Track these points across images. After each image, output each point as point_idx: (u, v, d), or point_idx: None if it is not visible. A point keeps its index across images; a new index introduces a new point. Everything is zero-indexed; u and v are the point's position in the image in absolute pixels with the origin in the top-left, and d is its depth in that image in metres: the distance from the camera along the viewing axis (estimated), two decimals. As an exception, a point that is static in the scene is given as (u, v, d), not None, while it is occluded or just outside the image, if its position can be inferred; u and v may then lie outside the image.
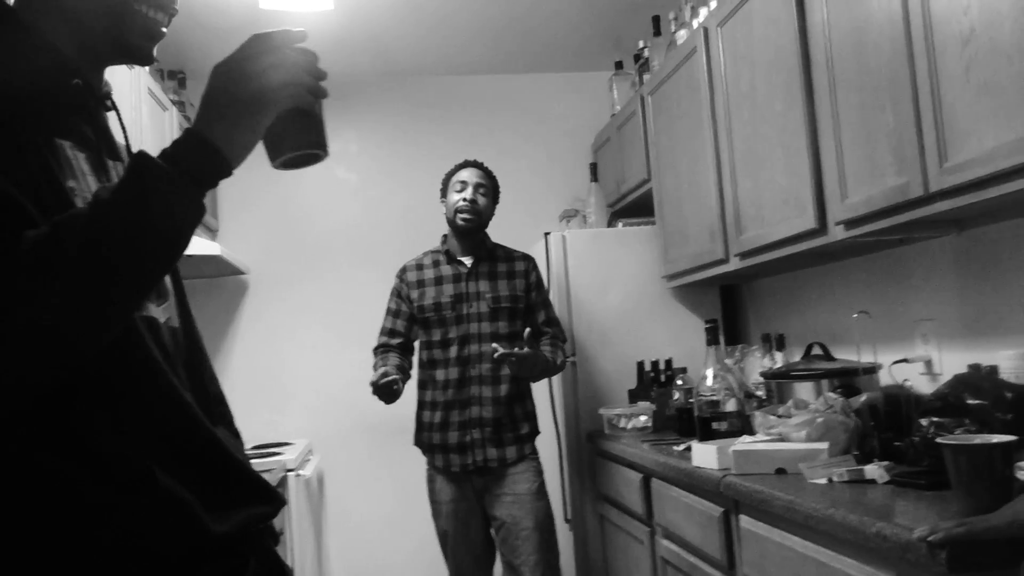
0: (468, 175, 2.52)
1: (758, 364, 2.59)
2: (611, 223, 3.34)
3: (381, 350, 2.55)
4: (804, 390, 2.00)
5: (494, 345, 2.30)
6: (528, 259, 2.59)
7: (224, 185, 3.58)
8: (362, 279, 3.58)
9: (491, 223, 2.61)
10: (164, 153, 0.76)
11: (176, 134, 2.85)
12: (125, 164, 0.94)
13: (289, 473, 2.75)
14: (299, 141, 0.83)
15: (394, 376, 2.26)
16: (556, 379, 2.84)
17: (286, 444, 3.23)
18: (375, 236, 3.65)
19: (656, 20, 3.05)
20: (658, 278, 3.00)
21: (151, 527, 0.80)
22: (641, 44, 3.17)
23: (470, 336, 2.46)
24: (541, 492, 2.44)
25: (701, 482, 1.88)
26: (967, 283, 1.88)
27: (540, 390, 2.57)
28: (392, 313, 2.58)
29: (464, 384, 2.44)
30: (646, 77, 3.07)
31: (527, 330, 2.36)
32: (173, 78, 3.22)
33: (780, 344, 2.53)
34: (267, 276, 3.59)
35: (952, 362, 1.90)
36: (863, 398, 1.76)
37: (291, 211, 3.63)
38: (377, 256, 3.55)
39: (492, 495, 2.44)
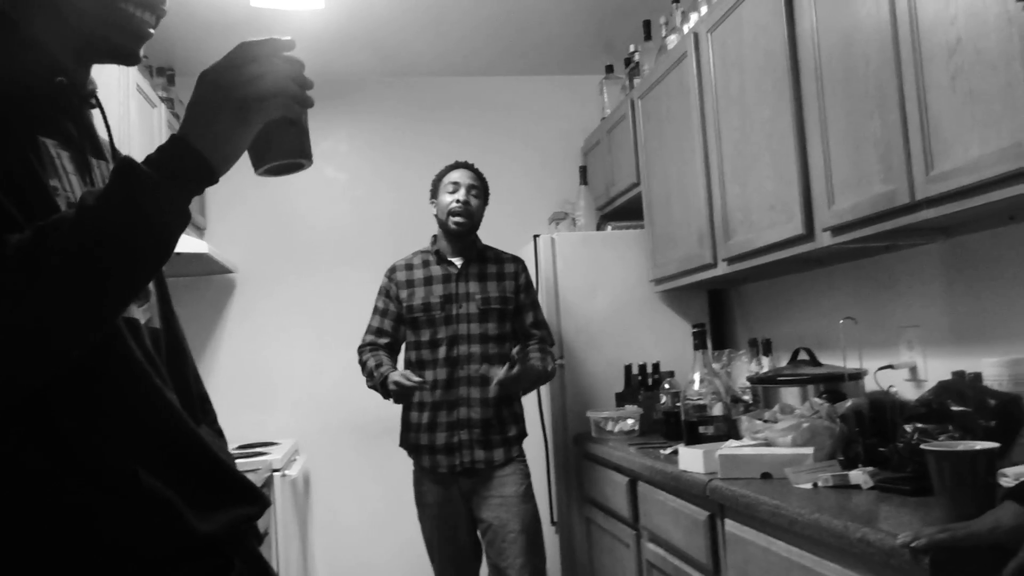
0: (460, 176, 2.52)
1: (745, 369, 2.60)
2: (600, 226, 3.35)
3: (369, 349, 2.54)
4: (790, 395, 2.01)
5: (491, 376, 2.34)
6: (518, 261, 2.60)
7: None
8: (350, 279, 3.56)
9: (481, 225, 2.61)
10: (149, 159, 0.76)
11: (164, 131, 2.85)
12: (109, 163, 0.94)
13: (275, 473, 2.73)
14: (283, 150, 0.83)
15: (421, 382, 2.32)
16: (544, 381, 2.85)
17: (272, 444, 3.21)
18: (363, 236, 3.64)
19: (647, 25, 3.06)
20: (646, 282, 3.01)
21: (134, 528, 0.80)
22: (632, 48, 3.18)
23: (459, 337, 2.46)
24: (528, 495, 2.44)
25: (687, 486, 1.89)
26: (952, 290, 1.90)
27: (528, 395, 2.57)
28: (380, 312, 2.57)
29: (453, 385, 2.44)
30: (636, 81, 3.08)
31: (515, 349, 2.36)
32: (162, 75, 3.20)
33: (767, 349, 2.54)
34: (255, 275, 3.57)
35: (937, 369, 1.91)
36: (848, 404, 1.77)
37: (279, 210, 3.62)
38: (365, 256, 3.55)
39: (479, 497, 2.43)
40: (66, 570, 0.77)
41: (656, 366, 2.84)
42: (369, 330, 2.57)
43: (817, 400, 1.83)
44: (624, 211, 3.28)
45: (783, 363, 2.34)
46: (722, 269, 2.40)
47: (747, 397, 2.34)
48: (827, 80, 1.80)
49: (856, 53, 1.68)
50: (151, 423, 0.85)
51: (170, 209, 0.75)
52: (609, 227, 3.24)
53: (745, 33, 2.15)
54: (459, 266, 2.53)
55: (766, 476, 1.70)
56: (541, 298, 2.80)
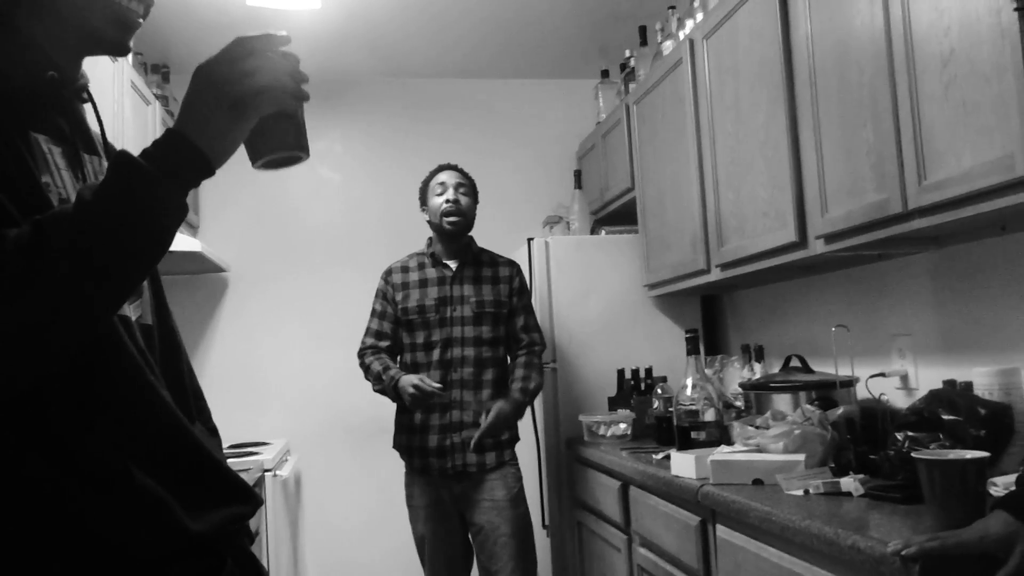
0: (446, 177, 2.53)
1: (737, 375, 2.61)
2: (594, 230, 3.35)
3: (371, 352, 2.53)
4: (782, 401, 2.02)
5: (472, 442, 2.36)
6: (513, 265, 2.60)
7: (206, 182, 3.53)
8: (343, 279, 3.56)
9: (475, 228, 2.62)
10: (146, 153, 0.75)
11: (159, 128, 2.84)
12: (101, 157, 0.94)
13: (266, 473, 2.72)
14: (280, 143, 0.83)
15: (443, 393, 2.34)
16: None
17: (264, 444, 3.21)
18: (357, 236, 3.64)
19: (643, 30, 3.07)
20: (639, 286, 3.02)
21: (127, 526, 0.80)
22: (627, 53, 3.19)
23: (453, 340, 2.46)
24: (520, 498, 2.44)
25: (679, 491, 1.89)
26: (944, 300, 1.91)
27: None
28: (378, 315, 2.57)
29: (445, 388, 2.43)
30: (632, 86, 3.09)
31: (485, 407, 2.38)
32: (157, 72, 3.19)
33: (759, 355, 2.55)
34: (248, 274, 3.57)
35: (928, 377, 1.93)
36: (840, 411, 1.78)
37: (273, 209, 3.61)
38: (359, 257, 3.55)
39: (470, 500, 2.43)
40: (59, 568, 0.77)
41: (649, 371, 2.84)
42: (368, 333, 2.57)
43: (809, 407, 1.84)
44: (618, 216, 3.29)
45: (775, 369, 2.35)
46: (715, 275, 2.41)
47: (739, 403, 2.35)
48: (821, 88, 1.81)
49: (850, 62, 1.70)
50: (145, 420, 0.85)
51: (168, 203, 0.75)
52: (603, 231, 3.24)
53: (740, 40, 2.16)
54: (454, 268, 2.53)
55: (757, 482, 1.71)
56: (534, 301, 2.80)
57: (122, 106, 2.48)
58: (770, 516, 1.47)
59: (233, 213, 3.57)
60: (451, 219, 2.48)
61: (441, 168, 2.57)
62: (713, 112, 2.34)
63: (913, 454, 1.25)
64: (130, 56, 2.68)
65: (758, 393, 2.12)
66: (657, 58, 2.83)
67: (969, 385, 1.62)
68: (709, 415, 2.07)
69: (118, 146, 0.91)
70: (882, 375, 1.98)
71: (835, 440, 1.73)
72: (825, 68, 1.80)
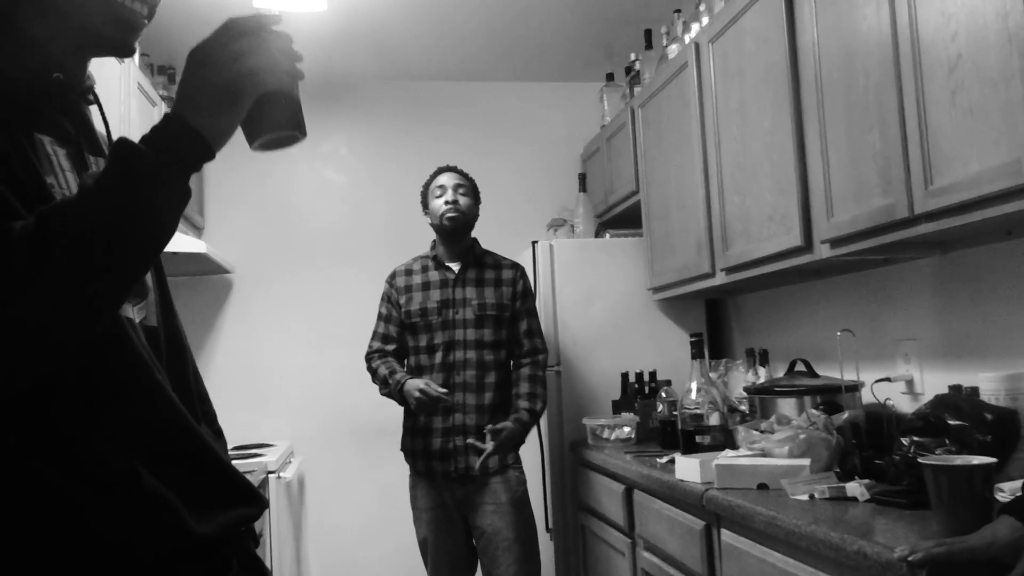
0: (445, 179, 2.54)
1: (741, 379, 2.61)
2: (598, 233, 3.35)
3: (378, 356, 2.54)
4: (787, 406, 2.02)
5: (480, 455, 2.36)
6: (517, 267, 2.59)
7: (211, 183, 3.54)
8: (347, 281, 3.57)
9: (479, 230, 2.62)
10: (145, 139, 0.76)
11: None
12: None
13: (270, 475, 2.73)
14: (276, 123, 0.84)
15: (445, 395, 2.34)
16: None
17: (268, 445, 3.21)
18: (361, 238, 3.65)
19: (648, 34, 3.08)
20: (644, 290, 3.02)
21: (132, 527, 0.79)
22: (632, 57, 3.19)
23: (455, 342, 2.46)
24: (523, 502, 2.44)
25: (684, 495, 1.89)
26: (949, 304, 1.91)
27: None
28: (384, 319, 2.58)
29: (448, 391, 2.43)
30: (637, 90, 3.09)
31: (487, 428, 2.37)
32: (163, 73, 3.20)
33: (764, 359, 2.54)
34: (252, 275, 3.57)
35: (933, 382, 1.92)
36: (845, 416, 1.78)
37: (278, 211, 3.62)
38: (363, 258, 3.55)
39: (473, 504, 2.43)
40: (63, 569, 0.77)
41: (653, 374, 2.84)
42: (375, 336, 2.58)
43: (814, 411, 1.84)
44: (623, 219, 3.29)
45: (780, 374, 2.35)
46: (720, 279, 2.41)
47: (744, 407, 2.35)
48: (827, 93, 1.81)
49: (856, 67, 1.69)
50: (153, 420, 0.85)
51: (171, 187, 0.76)
52: (607, 235, 3.24)
53: (746, 44, 2.16)
54: (456, 271, 2.53)
55: (762, 487, 1.70)
56: (538, 304, 2.81)
57: (128, 107, 2.48)
58: (775, 521, 1.46)
59: (238, 215, 3.57)
60: (450, 216, 2.48)
61: (441, 170, 2.58)
62: (719, 116, 2.34)
63: (920, 460, 1.25)
64: (136, 57, 2.68)
65: (763, 397, 2.12)
66: (662, 62, 2.83)
67: (975, 390, 1.61)
68: (714, 419, 2.07)
69: None
70: (887, 380, 1.98)
71: (840, 445, 1.73)
72: (831, 72, 1.80)
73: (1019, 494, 1.16)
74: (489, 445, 2.35)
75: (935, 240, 1.74)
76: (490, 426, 2.38)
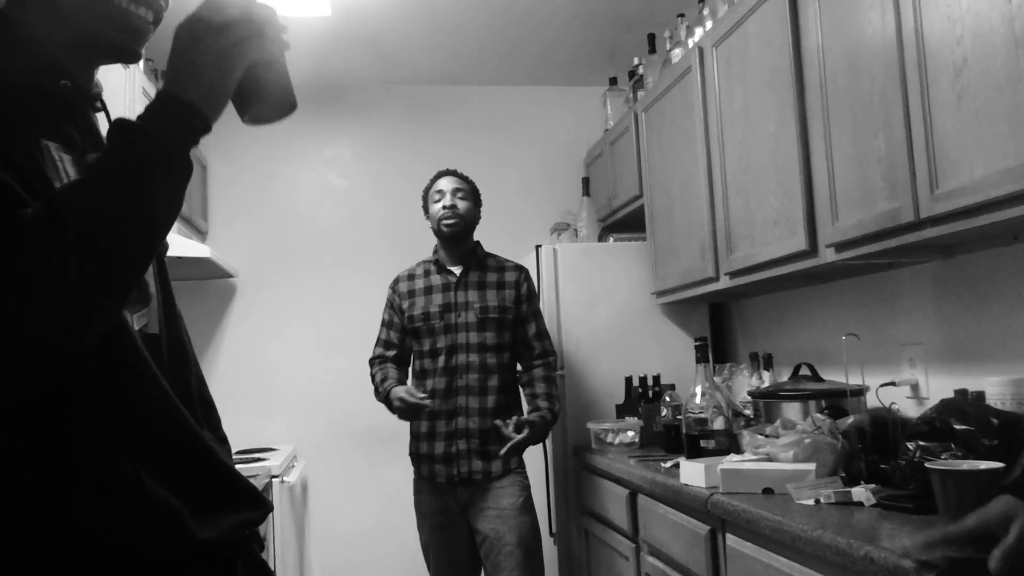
0: (444, 184, 2.54)
1: (745, 383, 2.60)
2: (602, 237, 3.35)
3: (378, 362, 2.56)
4: (791, 410, 2.01)
5: (502, 428, 2.35)
6: (520, 269, 2.59)
7: (214, 188, 3.54)
8: (351, 285, 3.57)
9: (482, 234, 2.62)
10: (142, 116, 0.77)
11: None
12: None
13: (274, 479, 2.73)
14: (267, 94, 0.85)
15: (426, 403, 2.33)
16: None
17: (271, 450, 3.21)
18: (365, 242, 3.65)
19: (651, 38, 3.08)
20: (647, 294, 3.02)
21: (136, 533, 0.80)
22: (636, 61, 3.19)
23: (458, 346, 2.46)
24: (526, 507, 2.43)
25: (688, 500, 1.88)
26: (954, 308, 1.90)
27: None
28: (386, 325, 2.59)
29: (451, 394, 2.43)
30: (640, 94, 3.10)
31: (511, 421, 2.37)
32: (167, 80, 3.20)
33: (768, 363, 2.54)
34: (256, 280, 3.57)
35: (938, 387, 1.92)
36: (850, 420, 1.78)
37: (281, 215, 3.62)
38: (366, 263, 3.56)
39: (476, 508, 2.43)
40: (65, 572, 0.77)
41: (657, 378, 2.84)
42: (378, 343, 2.59)
43: (819, 416, 1.83)
44: (626, 223, 3.29)
45: (784, 378, 2.34)
46: (724, 283, 2.40)
47: (748, 411, 2.34)
48: (832, 97, 1.81)
49: (861, 70, 1.69)
50: (155, 425, 0.85)
51: (174, 161, 0.76)
52: (611, 238, 3.24)
53: (750, 49, 2.16)
54: (458, 275, 2.53)
55: (768, 491, 1.70)
56: (542, 308, 2.80)
57: (134, 113, 2.48)
58: (781, 526, 1.46)
59: (241, 219, 3.58)
60: (448, 222, 2.48)
61: (440, 174, 2.58)
62: (722, 120, 2.34)
63: (927, 464, 1.25)
64: (141, 63, 2.69)
65: (767, 402, 2.11)
66: (666, 66, 2.83)
67: (981, 395, 1.61)
68: (718, 423, 2.07)
69: None
70: (892, 384, 1.97)
71: (846, 449, 1.73)
72: (836, 76, 1.80)
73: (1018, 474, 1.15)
74: (515, 435, 2.35)
75: (940, 244, 1.74)
76: (518, 417, 2.38)
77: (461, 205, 2.50)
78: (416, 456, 2.49)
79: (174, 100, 0.77)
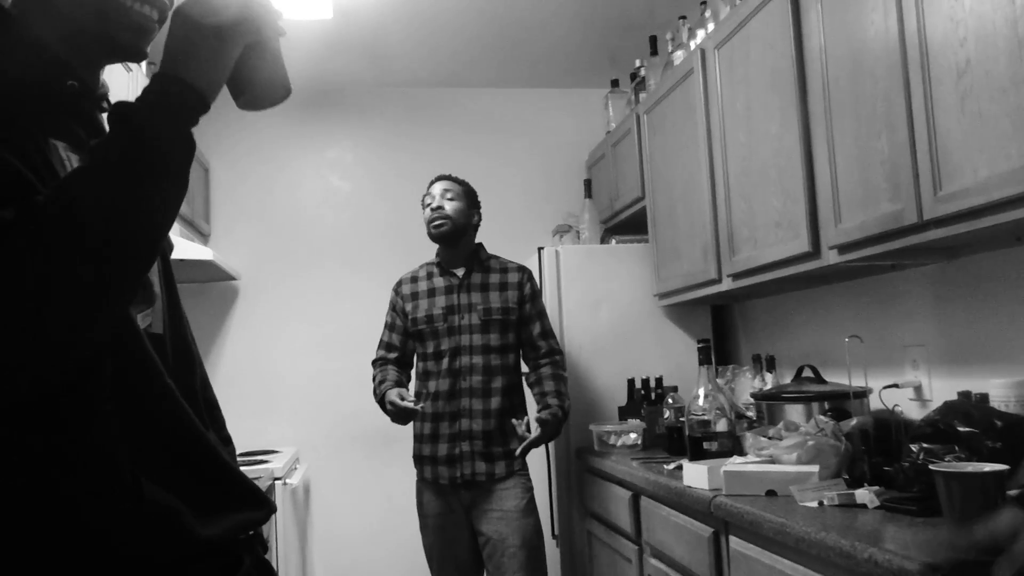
0: (435, 189, 2.55)
1: (748, 385, 2.60)
2: (604, 240, 3.35)
3: (379, 363, 2.57)
4: (794, 412, 2.01)
5: (517, 427, 2.38)
6: (523, 270, 2.58)
7: (217, 191, 3.54)
8: (353, 288, 3.57)
9: (485, 237, 2.62)
10: (141, 98, 0.77)
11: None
12: None
13: (276, 481, 2.73)
14: (262, 78, 0.86)
15: (415, 406, 2.33)
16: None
17: (273, 452, 3.21)
18: (367, 245, 3.65)
19: (653, 40, 3.08)
20: (650, 296, 3.01)
21: (136, 535, 0.80)
22: (638, 63, 3.19)
23: (461, 348, 2.46)
24: (529, 509, 2.43)
25: (691, 502, 1.88)
26: (957, 310, 1.90)
27: (531, 405, 2.56)
28: (388, 327, 2.60)
29: (454, 396, 2.43)
30: (642, 96, 3.10)
31: (523, 421, 2.39)
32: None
33: (770, 365, 2.54)
34: (258, 282, 3.58)
35: (942, 389, 1.91)
36: (854, 422, 1.77)
37: (283, 217, 3.63)
38: (368, 265, 3.56)
39: (479, 510, 2.42)
40: (68, 572, 0.77)
41: (659, 380, 2.84)
42: (380, 345, 2.60)
43: (822, 418, 1.83)
44: (628, 225, 3.29)
45: (787, 380, 2.34)
46: (727, 285, 2.40)
47: (751, 413, 2.34)
48: (835, 98, 1.81)
49: (864, 72, 1.69)
50: (161, 423, 0.85)
51: (177, 140, 0.77)
52: (613, 240, 3.24)
53: (752, 50, 2.16)
54: (461, 277, 2.53)
55: (771, 493, 1.70)
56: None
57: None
58: (785, 528, 1.46)
59: (244, 222, 3.58)
60: (435, 223, 2.49)
61: (432, 181, 2.59)
62: (725, 122, 2.34)
63: (931, 467, 1.24)
64: (143, 64, 2.69)
65: (770, 403, 2.11)
66: (667, 68, 2.83)
67: (985, 397, 1.61)
68: (721, 425, 2.07)
69: None
70: (895, 386, 1.97)
71: (849, 451, 1.72)
72: (838, 78, 1.79)
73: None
74: (528, 434, 2.36)
75: (943, 246, 1.74)
76: (537, 415, 2.39)
77: (449, 206, 2.50)
78: (419, 458, 2.49)
79: (172, 80, 0.77)
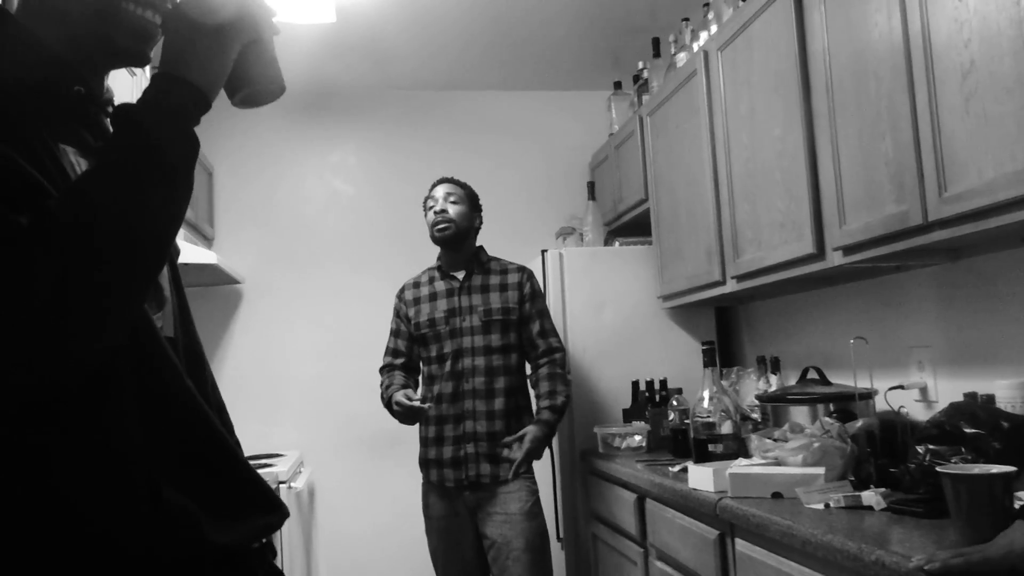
0: (437, 191, 2.56)
1: (753, 386, 2.60)
2: (608, 242, 3.35)
3: (387, 370, 2.58)
4: (800, 414, 2.01)
5: (506, 452, 2.38)
6: (523, 270, 2.58)
7: (220, 195, 3.54)
8: (357, 291, 3.58)
9: (487, 239, 2.62)
10: (142, 100, 0.78)
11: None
12: None
13: (281, 485, 2.73)
14: (257, 75, 0.87)
15: (421, 405, 2.34)
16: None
17: (278, 455, 3.21)
18: (370, 248, 3.65)
19: (656, 42, 3.08)
20: (654, 298, 3.01)
21: (151, 539, 0.79)
22: (640, 65, 3.19)
23: (463, 350, 2.46)
24: (534, 512, 2.43)
25: (697, 504, 1.88)
26: (963, 311, 1.89)
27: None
28: (394, 333, 2.62)
29: (458, 398, 2.44)
30: (645, 98, 3.10)
31: (506, 440, 2.39)
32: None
33: (775, 367, 2.53)
34: (262, 285, 3.58)
35: (947, 390, 1.91)
36: (859, 424, 1.77)
37: (287, 221, 3.63)
38: (372, 269, 3.56)
39: (484, 513, 2.42)
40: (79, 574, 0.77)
41: (664, 382, 2.83)
42: (387, 351, 2.61)
43: (828, 419, 1.83)
44: (632, 227, 3.29)
45: (792, 381, 2.34)
46: (731, 286, 2.40)
47: (756, 415, 2.34)
48: (838, 99, 1.81)
49: (868, 73, 1.69)
50: (183, 425, 0.85)
51: (181, 139, 0.78)
52: (617, 243, 3.24)
53: (755, 52, 2.16)
54: (461, 279, 2.53)
55: (777, 495, 1.69)
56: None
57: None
58: (791, 530, 1.46)
59: (247, 225, 3.59)
60: (439, 227, 2.49)
61: (434, 184, 2.60)
62: (728, 123, 2.34)
63: (938, 469, 1.24)
64: (147, 69, 2.70)
65: (775, 405, 2.11)
66: (671, 70, 2.83)
67: (991, 398, 1.60)
68: (726, 427, 2.07)
69: None
70: (901, 387, 1.96)
71: (855, 453, 1.72)
72: (842, 79, 1.79)
73: None
74: (517, 452, 2.35)
75: (949, 247, 1.74)
76: (508, 438, 2.39)
77: (452, 209, 2.51)
78: (425, 462, 2.50)
79: (172, 79, 0.78)
